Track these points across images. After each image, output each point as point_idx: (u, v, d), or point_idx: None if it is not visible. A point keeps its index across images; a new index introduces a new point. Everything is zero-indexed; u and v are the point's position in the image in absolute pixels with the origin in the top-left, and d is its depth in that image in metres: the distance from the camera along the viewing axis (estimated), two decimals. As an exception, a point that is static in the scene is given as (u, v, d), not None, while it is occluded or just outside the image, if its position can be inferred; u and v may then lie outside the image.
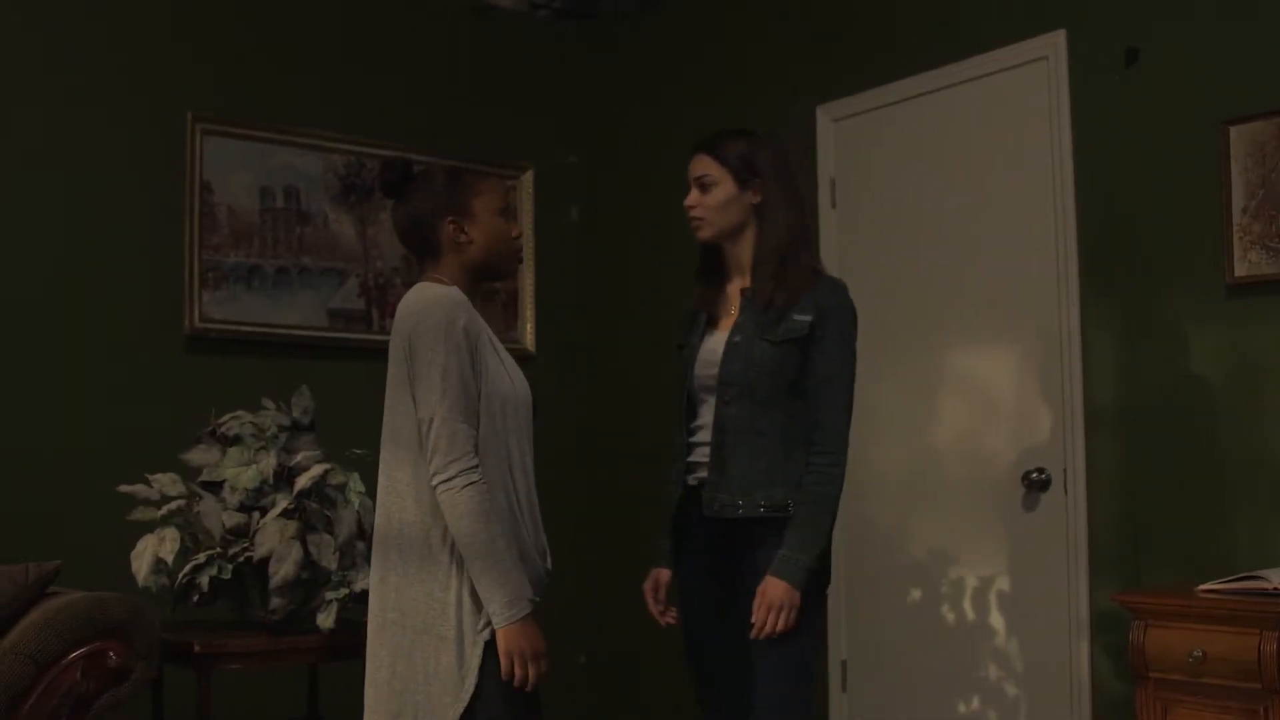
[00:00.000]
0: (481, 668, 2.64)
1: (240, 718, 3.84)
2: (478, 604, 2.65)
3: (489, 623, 2.64)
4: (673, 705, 4.85)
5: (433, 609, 2.66)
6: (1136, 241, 3.78)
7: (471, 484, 2.62)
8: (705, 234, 3.01)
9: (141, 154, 4.48)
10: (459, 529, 2.62)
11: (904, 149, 4.44)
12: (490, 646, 2.65)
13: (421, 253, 2.90)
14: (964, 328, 4.25)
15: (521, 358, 5.32)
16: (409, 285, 2.86)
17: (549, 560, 2.88)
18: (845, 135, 4.63)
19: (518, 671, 2.63)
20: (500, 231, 2.90)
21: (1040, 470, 3.97)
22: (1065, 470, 3.90)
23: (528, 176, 5.41)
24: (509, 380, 2.82)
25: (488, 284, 3.03)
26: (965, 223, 4.23)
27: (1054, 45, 3.97)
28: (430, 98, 5.15)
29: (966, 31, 4.22)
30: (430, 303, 2.72)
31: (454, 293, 2.76)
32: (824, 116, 4.68)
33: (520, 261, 3.09)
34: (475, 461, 2.65)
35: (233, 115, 4.65)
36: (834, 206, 4.63)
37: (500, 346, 2.85)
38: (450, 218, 2.84)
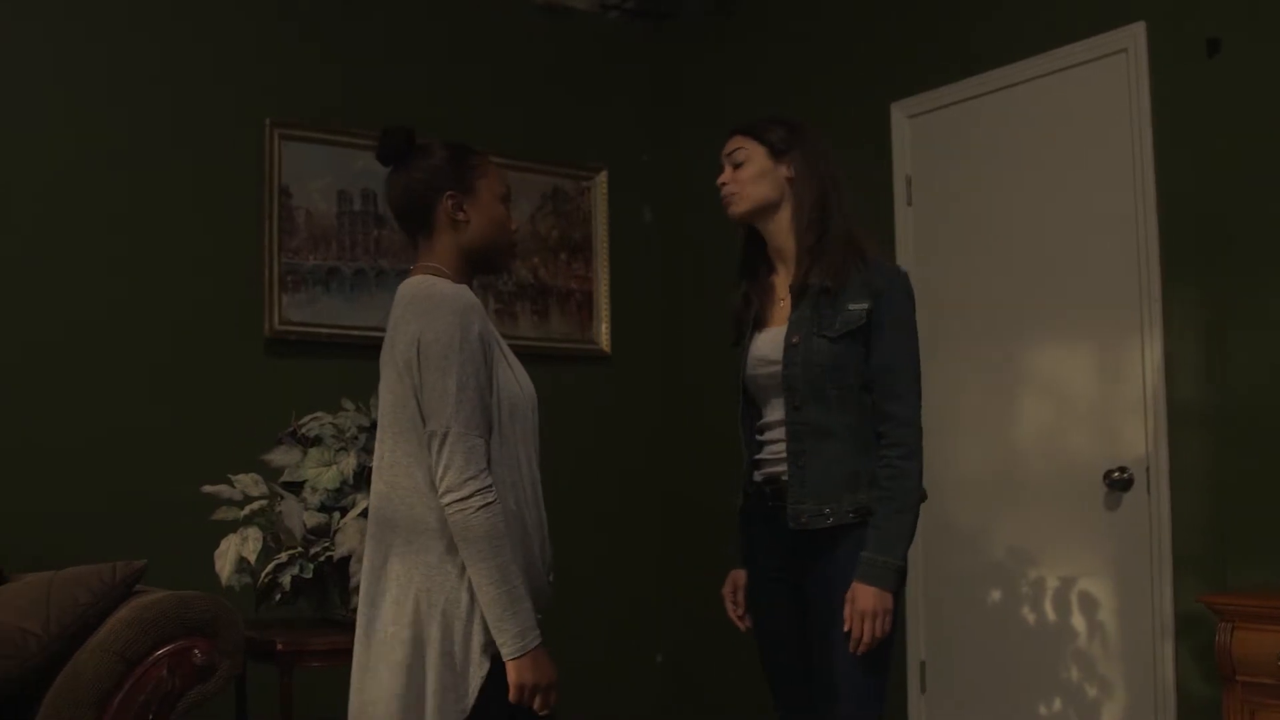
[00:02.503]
0: (483, 689, 2.51)
1: (322, 714, 3.88)
2: (485, 621, 2.51)
3: (489, 646, 2.51)
4: (749, 704, 4.84)
5: (434, 622, 2.52)
6: (1220, 235, 3.72)
7: (487, 504, 2.48)
8: (739, 208, 2.92)
9: (221, 159, 4.55)
10: (471, 552, 2.49)
11: (981, 145, 4.40)
12: (495, 667, 2.52)
13: (414, 228, 2.73)
14: (1044, 325, 4.20)
15: (597, 359, 5.39)
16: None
17: (552, 574, 2.73)
18: (921, 132, 4.59)
19: (528, 704, 2.51)
20: (500, 217, 2.75)
21: (1123, 469, 3.91)
22: (1148, 469, 3.84)
23: (602, 177, 5.43)
24: (517, 385, 2.67)
25: (482, 277, 2.85)
26: (1044, 219, 4.18)
27: (1133, 38, 3.91)
28: (503, 100, 5.18)
29: (1044, 25, 4.17)
30: (439, 304, 2.56)
31: (464, 293, 2.60)
32: (899, 113, 4.64)
33: (516, 257, 2.80)
34: (490, 480, 2.51)
35: (310, 120, 4.71)
36: (910, 204, 4.60)
37: (506, 347, 2.71)
38: (450, 192, 2.68)
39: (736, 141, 2.95)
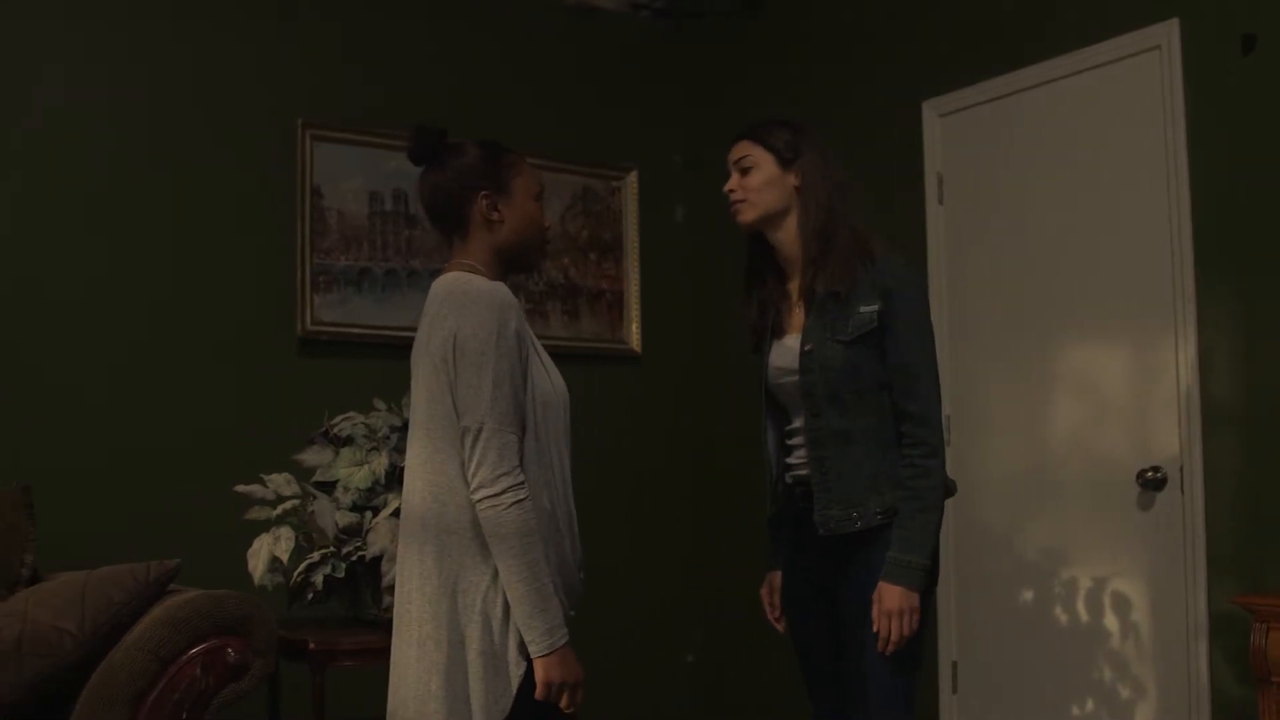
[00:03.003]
0: (520, 688, 2.52)
1: (354, 713, 3.90)
2: None
3: (525, 646, 2.52)
4: (779, 705, 4.84)
5: (473, 622, 2.53)
6: (1254, 234, 3.69)
7: (518, 501, 2.48)
8: (748, 216, 2.91)
9: (253, 160, 4.58)
10: (502, 549, 2.49)
11: (1013, 143, 4.38)
12: (529, 670, 2.52)
13: (447, 228, 2.73)
14: (1076, 324, 4.17)
15: (628, 359, 5.39)
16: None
17: (583, 572, 2.74)
18: (952, 130, 4.58)
19: (555, 701, 2.52)
20: (534, 216, 2.75)
21: (1156, 469, 3.89)
22: (1182, 468, 3.82)
23: (632, 177, 5.43)
24: (550, 383, 2.67)
25: (514, 275, 2.83)
26: (1076, 217, 4.16)
27: (1167, 34, 3.88)
28: (534, 100, 5.19)
29: (1076, 22, 4.15)
30: (476, 300, 2.56)
31: (501, 290, 2.60)
32: (930, 112, 4.63)
33: (548, 255, 2.79)
34: (522, 476, 2.51)
35: (341, 121, 4.73)
36: (941, 203, 4.58)
37: (540, 345, 2.71)
38: (485, 192, 2.69)
39: (743, 148, 2.94)
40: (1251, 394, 3.69)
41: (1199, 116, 3.82)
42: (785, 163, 2.89)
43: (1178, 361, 3.84)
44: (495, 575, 2.53)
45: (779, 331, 2.97)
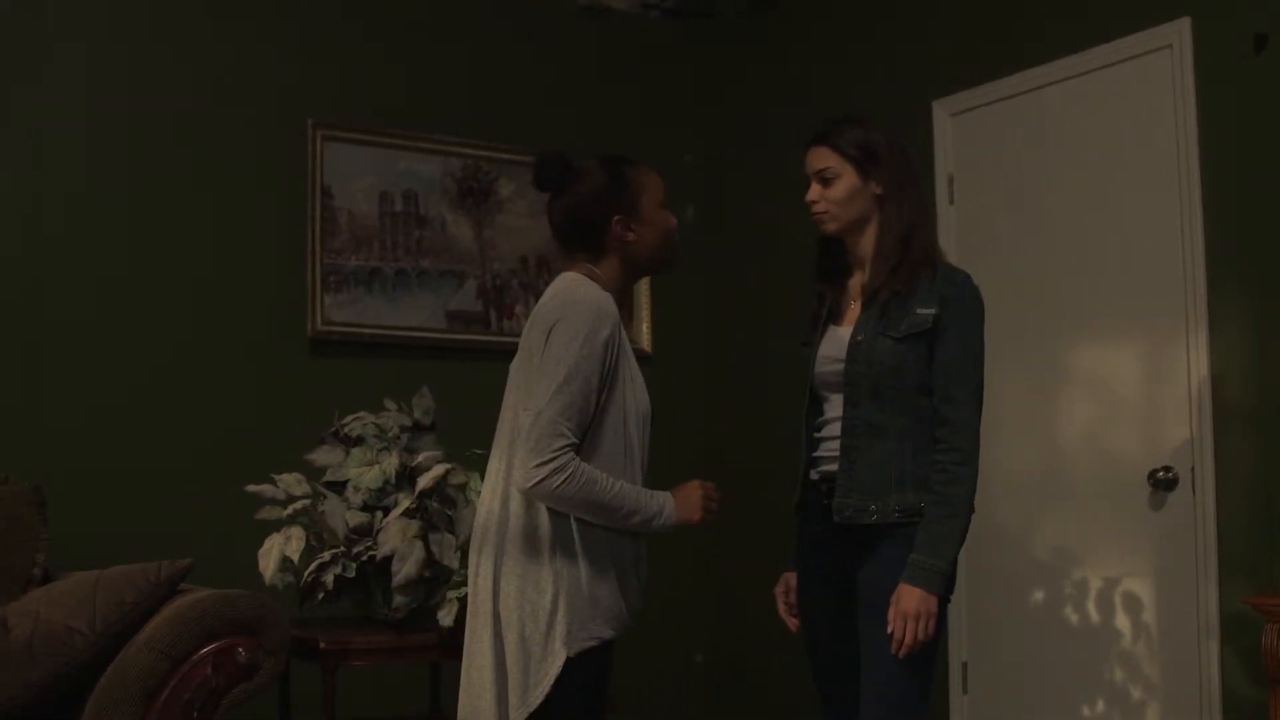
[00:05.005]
0: (558, 681, 2.59)
1: (364, 713, 3.90)
2: (570, 615, 2.61)
3: (569, 639, 2.61)
4: (788, 705, 4.84)
5: (524, 608, 2.63)
6: (1266, 233, 3.68)
7: (567, 475, 2.57)
8: (832, 228, 2.91)
9: (264, 160, 4.58)
10: (584, 514, 2.62)
11: (1024, 143, 4.37)
12: (573, 664, 2.60)
13: (579, 248, 2.81)
14: (1088, 324, 4.17)
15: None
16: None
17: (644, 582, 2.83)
18: (963, 130, 4.57)
19: (711, 517, 2.79)
20: (666, 225, 2.85)
21: (1167, 469, 3.88)
22: (1193, 469, 3.81)
23: (642, 177, 5.42)
24: (634, 398, 2.77)
25: (645, 276, 3.01)
26: (1088, 217, 4.15)
27: (1179, 33, 3.87)
28: (545, 100, 5.19)
29: (1087, 21, 4.14)
30: (579, 302, 2.66)
31: (607, 301, 2.69)
32: (941, 111, 4.62)
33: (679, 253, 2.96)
34: (567, 455, 2.58)
35: (352, 121, 4.74)
36: (952, 203, 4.57)
37: (633, 360, 2.78)
38: (618, 215, 2.77)
39: (823, 157, 2.90)
40: (1263, 393, 3.68)
41: (1211, 115, 3.81)
42: (866, 172, 2.88)
43: (1189, 361, 3.83)
44: (547, 566, 2.63)
45: (833, 322, 2.98)
